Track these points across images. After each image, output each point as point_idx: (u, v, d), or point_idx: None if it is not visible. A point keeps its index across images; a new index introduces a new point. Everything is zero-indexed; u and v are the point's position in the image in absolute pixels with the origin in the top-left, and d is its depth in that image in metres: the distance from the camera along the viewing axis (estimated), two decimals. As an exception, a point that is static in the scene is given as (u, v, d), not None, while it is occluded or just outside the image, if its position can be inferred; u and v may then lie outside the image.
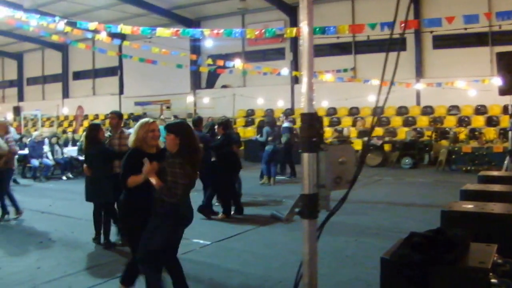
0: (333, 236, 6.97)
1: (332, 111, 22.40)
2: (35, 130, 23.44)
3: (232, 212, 9.52)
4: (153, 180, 4.40)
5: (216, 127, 10.07)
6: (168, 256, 4.85)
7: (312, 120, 2.48)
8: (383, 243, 6.81)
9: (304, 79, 2.48)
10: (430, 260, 3.02)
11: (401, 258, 3.11)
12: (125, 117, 25.78)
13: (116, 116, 7.91)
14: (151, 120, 5.05)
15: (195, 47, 24.67)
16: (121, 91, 30.33)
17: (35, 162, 15.36)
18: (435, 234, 3.31)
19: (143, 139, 4.78)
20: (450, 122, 19.44)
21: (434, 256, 3.02)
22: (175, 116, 22.54)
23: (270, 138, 13.70)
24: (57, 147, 16.59)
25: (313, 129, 2.47)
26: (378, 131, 19.46)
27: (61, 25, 13.78)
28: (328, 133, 20.46)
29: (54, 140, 16.92)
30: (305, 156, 2.51)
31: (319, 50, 22.49)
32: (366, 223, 8.32)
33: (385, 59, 2.35)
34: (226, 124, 9.88)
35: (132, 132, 5.00)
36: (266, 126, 14.21)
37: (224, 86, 25.95)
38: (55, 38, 18.44)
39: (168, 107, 26.84)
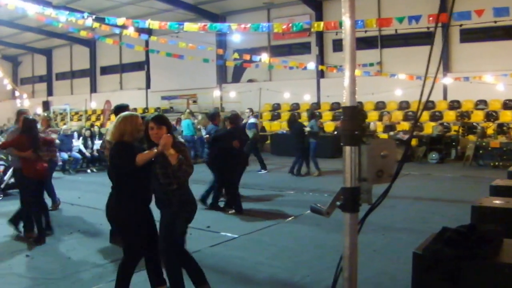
0: (361, 231, 6.94)
1: (357, 105, 22.22)
2: (64, 124, 23.76)
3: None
4: (171, 152, 4.38)
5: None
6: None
7: (354, 113, 2.48)
8: (410, 238, 6.82)
9: (347, 73, 2.47)
10: (463, 256, 3.00)
11: (434, 253, 3.10)
12: (151, 111, 26.17)
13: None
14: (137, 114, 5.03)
15: (221, 42, 24.72)
16: (148, 86, 30.56)
17: (64, 155, 15.59)
18: (468, 229, 3.29)
19: (131, 134, 4.70)
20: (477, 116, 19.12)
21: (468, 252, 3.00)
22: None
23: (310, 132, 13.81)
24: (89, 140, 16.87)
25: (356, 122, 2.47)
26: (405, 125, 19.30)
27: (89, 21, 13.95)
28: (354, 127, 20.33)
29: (87, 133, 17.24)
30: (347, 149, 2.50)
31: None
32: (393, 218, 8.27)
33: (430, 50, 2.30)
34: (234, 118, 9.89)
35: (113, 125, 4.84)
36: (311, 119, 14.26)
37: (250, 80, 25.97)
38: (83, 34, 18.67)
39: (194, 101, 26.97)
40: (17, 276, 5.87)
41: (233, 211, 9.37)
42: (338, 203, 2.56)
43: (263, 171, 15.10)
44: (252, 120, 15.91)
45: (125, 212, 4.66)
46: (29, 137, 7.34)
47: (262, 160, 15.34)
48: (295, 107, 24.41)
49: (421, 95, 2.53)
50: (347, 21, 2.48)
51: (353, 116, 2.48)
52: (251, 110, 16.61)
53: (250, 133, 14.39)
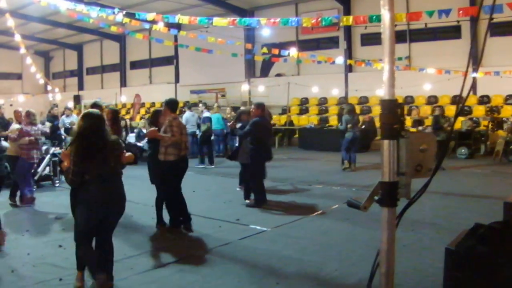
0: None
1: (386, 100, 22.05)
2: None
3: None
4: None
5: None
6: None
7: (393, 107, 2.45)
8: (439, 233, 6.78)
9: (386, 66, 2.44)
10: (497, 253, 2.97)
11: (467, 249, 3.08)
12: (180, 105, 26.38)
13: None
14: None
15: (249, 36, 24.76)
16: (177, 80, 30.82)
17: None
18: (502, 226, 3.25)
19: None
20: (507, 111, 18.74)
21: (502, 249, 2.97)
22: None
23: (349, 126, 13.76)
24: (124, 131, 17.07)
25: (395, 116, 2.44)
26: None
27: (119, 16, 14.08)
28: (380, 121, 20.18)
29: (122, 123, 17.45)
30: (385, 143, 2.49)
31: (374, 39, 22.16)
32: (422, 213, 8.19)
33: (470, 44, 2.27)
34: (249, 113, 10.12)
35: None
36: (345, 114, 14.20)
37: (278, 75, 25.96)
38: (113, 29, 18.91)
39: (223, 95, 27.09)
40: (51, 265, 6.00)
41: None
42: (376, 197, 2.55)
43: (210, 166, 15.30)
44: (206, 114, 16.45)
45: None
46: None
47: (212, 155, 15.71)
48: (323, 101, 24.34)
49: (462, 89, 2.50)
50: (386, 14, 2.46)
51: (392, 110, 2.45)
52: (205, 104, 16.69)
53: (203, 127, 14.73)
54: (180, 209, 7.63)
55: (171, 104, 7.75)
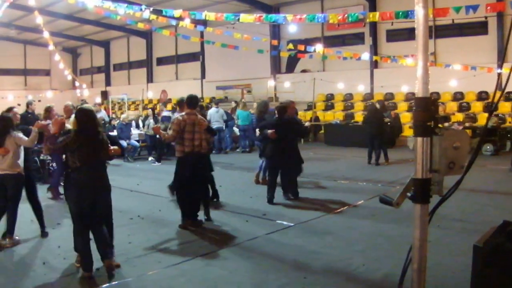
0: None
1: (411, 96, 21.78)
2: (122, 113, 24.37)
3: None
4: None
5: None
6: None
7: (427, 104, 2.46)
8: (466, 230, 6.77)
9: (420, 63, 2.46)
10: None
11: (495, 247, 3.04)
12: (207, 100, 26.56)
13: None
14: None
15: (275, 32, 24.74)
16: (203, 76, 30.93)
17: (123, 143, 15.92)
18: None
19: None
20: (534, 108, 18.46)
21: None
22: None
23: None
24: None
25: (428, 113, 2.46)
26: (459, 116, 18.86)
27: (146, 13, 14.19)
28: (407, 118, 20.03)
29: (149, 112, 17.76)
30: (419, 140, 2.51)
31: (399, 35, 22.01)
32: (447, 210, 8.09)
33: (507, 39, 2.29)
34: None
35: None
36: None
37: (303, 71, 25.87)
38: (140, 26, 19.08)
39: (249, 91, 27.14)
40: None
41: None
42: (408, 194, 2.57)
43: (156, 163, 15.45)
44: (165, 113, 16.72)
45: None
46: None
47: (163, 153, 15.90)
48: (349, 97, 24.23)
49: (497, 85, 2.51)
50: (420, 11, 2.47)
51: (425, 107, 2.46)
52: (164, 104, 16.69)
53: (162, 126, 14.82)
54: (190, 202, 7.73)
55: (188, 100, 7.91)
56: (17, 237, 6.81)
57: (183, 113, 7.78)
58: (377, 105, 14.71)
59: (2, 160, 6.65)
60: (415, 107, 2.53)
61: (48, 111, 9.88)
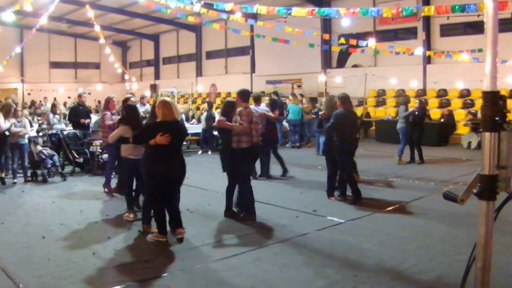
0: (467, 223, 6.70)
1: (465, 93, 21.23)
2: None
3: None
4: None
5: None
6: None
7: (495, 99, 2.39)
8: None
9: (488, 58, 2.38)
10: None
11: None
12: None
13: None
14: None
15: (326, 26, 24.51)
16: (252, 70, 30.93)
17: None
18: None
19: None
20: None
21: None
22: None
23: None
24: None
25: (497, 108, 2.38)
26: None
27: (197, 6, 14.26)
28: (461, 115, 19.52)
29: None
30: (487, 135, 2.43)
31: (452, 30, 21.45)
32: (507, 206, 7.85)
33: None
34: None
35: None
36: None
37: (354, 66, 25.54)
38: (191, 19, 19.28)
39: (299, 86, 27.02)
40: (131, 249, 6.30)
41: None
42: (474, 190, 2.49)
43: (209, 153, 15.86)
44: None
45: None
46: None
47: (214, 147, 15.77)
48: (401, 93, 23.75)
49: None
50: (490, 3, 2.39)
51: (494, 102, 2.39)
52: (142, 97, 16.50)
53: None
54: (246, 197, 7.95)
55: (243, 94, 8.16)
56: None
57: (242, 107, 7.98)
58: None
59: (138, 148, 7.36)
60: (483, 102, 2.46)
61: (107, 102, 10.10)
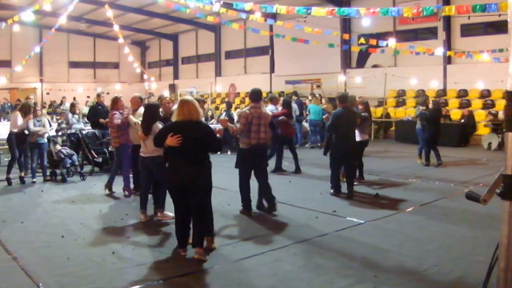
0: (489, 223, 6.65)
1: (486, 93, 20.93)
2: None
3: None
4: None
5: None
6: None
7: (518, 99, 2.38)
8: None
9: (511, 58, 2.37)
10: None
11: None
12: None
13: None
14: None
15: (345, 26, 24.39)
16: (272, 70, 30.80)
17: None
18: None
19: None
20: None
21: None
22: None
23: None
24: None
25: (520, 108, 2.37)
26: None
27: (216, 6, 14.27)
28: (482, 116, 19.29)
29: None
30: (510, 135, 2.42)
31: (473, 29, 21.17)
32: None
33: None
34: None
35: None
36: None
37: (374, 66, 25.35)
38: (210, 19, 19.29)
39: (318, 86, 26.89)
40: (149, 249, 6.33)
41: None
42: (497, 190, 2.48)
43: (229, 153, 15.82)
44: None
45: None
46: None
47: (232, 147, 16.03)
48: (421, 93, 23.52)
49: None
50: (512, 2, 2.38)
51: (517, 102, 2.37)
52: (159, 97, 16.39)
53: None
54: (265, 193, 8.29)
55: (251, 94, 8.31)
56: (169, 213, 7.48)
57: (248, 107, 8.23)
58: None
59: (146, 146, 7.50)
60: (506, 102, 2.43)
61: (115, 101, 10.06)
